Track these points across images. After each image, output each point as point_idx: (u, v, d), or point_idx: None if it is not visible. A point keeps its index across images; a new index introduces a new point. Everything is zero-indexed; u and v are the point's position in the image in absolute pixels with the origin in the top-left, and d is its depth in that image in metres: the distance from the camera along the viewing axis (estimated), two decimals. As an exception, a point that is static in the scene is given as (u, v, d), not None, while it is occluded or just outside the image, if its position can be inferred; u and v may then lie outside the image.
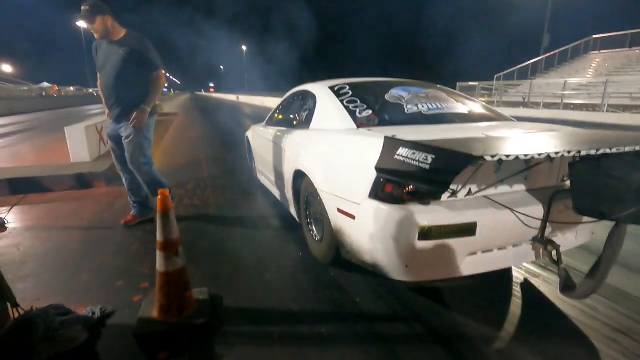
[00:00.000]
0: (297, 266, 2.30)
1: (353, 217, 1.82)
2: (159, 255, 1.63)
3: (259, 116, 4.24)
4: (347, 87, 2.59)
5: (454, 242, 1.61)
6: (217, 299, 1.90)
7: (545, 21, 21.66)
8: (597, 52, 21.31)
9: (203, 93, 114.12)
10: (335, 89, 2.60)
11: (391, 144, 1.63)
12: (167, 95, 71.77)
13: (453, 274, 1.68)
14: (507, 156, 1.23)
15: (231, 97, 45.02)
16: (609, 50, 20.62)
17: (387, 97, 2.49)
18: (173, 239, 1.63)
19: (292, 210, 2.87)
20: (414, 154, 1.46)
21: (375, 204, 1.68)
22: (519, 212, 1.65)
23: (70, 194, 3.86)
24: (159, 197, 1.59)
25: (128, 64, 2.60)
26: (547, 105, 15.44)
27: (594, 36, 21.39)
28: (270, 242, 2.67)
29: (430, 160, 1.37)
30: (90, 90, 53.83)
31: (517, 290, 2.03)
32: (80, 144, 5.25)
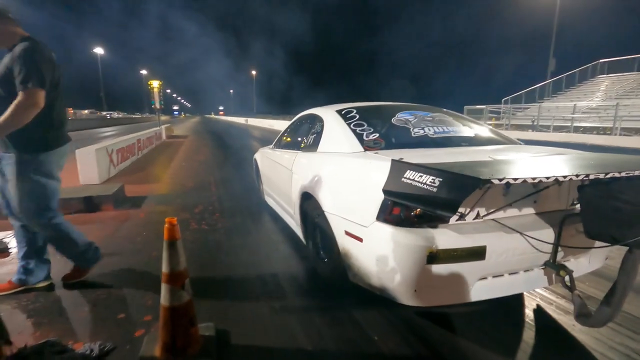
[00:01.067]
0: (310, 298, 2.16)
1: (360, 239, 1.77)
2: (163, 288, 1.52)
3: (269, 141, 4.22)
4: (354, 111, 2.58)
5: (463, 267, 1.56)
6: (224, 335, 1.76)
7: (551, 46, 21.88)
8: (604, 76, 21.36)
9: (213, 116, 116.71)
10: (343, 112, 2.59)
11: (398, 166, 1.60)
12: (178, 118, 73.45)
13: (463, 299, 1.63)
14: (515, 179, 1.21)
15: (240, 120, 45.81)
16: (617, 74, 20.66)
17: (393, 120, 2.49)
18: (179, 271, 1.52)
19: (299, 232, 2.80)
20: (421, 176, 1.42)
21: (382, 226, 1.64)
22: (529, 236, 1.61)
23: (77, 218, 3.80)
24: (166, 225, 1.50)
25: (5, 79, 1.93)
26: (557, 129, 15.32)
27: (601, 60, 21.52)
28: (280, 270, 2.54)
29: (437, 183, 1.33)
30: (104, 113, 55.42)
31: (542, 323, 1.86)
32: (90, 166, 5.28)
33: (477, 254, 1.55)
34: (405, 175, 1.49)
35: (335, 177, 2.16)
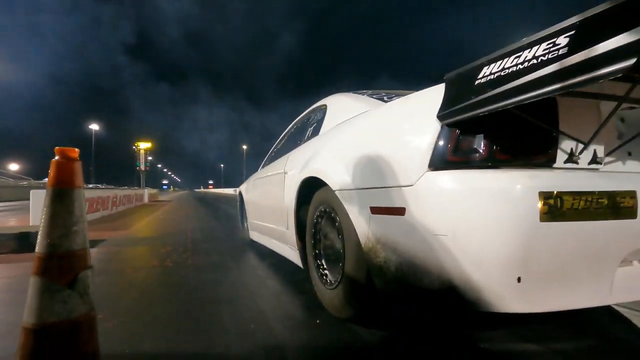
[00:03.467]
0: (314, 343, 1.35)
1: (401, 210, 1.06)
2: (31, 284, 0.76)
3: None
4: (369, 91, 2.04)
5: (599, 234, 0.87)
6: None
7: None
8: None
9: (202, 189, 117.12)
10: (351, 93, 2.04)
11: (462, 73, 0.96)
12: (167, 192, 73.28)
13: (596, 300, 0.92)
14: None
15: (229, 191, 45.63)
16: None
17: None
18: (71, 251, 0.79)
19: (295, 257, 2.06)
20: (520, 55, 0.79)
21: (443, 175, 0.97)
22: None
23: (4, 258, 2.93)
24: (56, 159, 0.81)
25: None
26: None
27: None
28: (268, 307, 1.73)
29: (570, 39, 0.69)
30: (90, 186, 54.79)
31: None
32: (44, 209, 4.48)
33: (624, 206, 0.88)
34: (483, 74, 0.88)
35: (348, 139, 1.53)
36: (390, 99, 1.62)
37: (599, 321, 1.44)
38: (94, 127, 49.77)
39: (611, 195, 0.85)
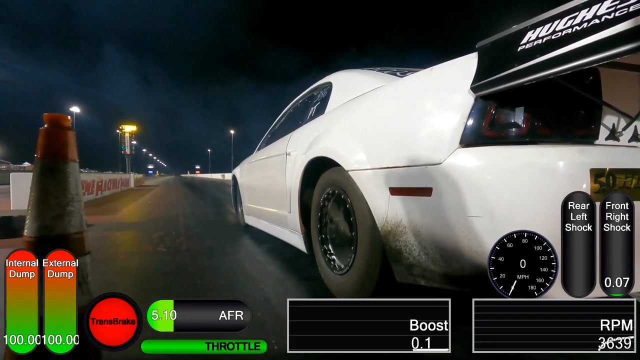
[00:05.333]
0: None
1: (427, 191, 0.98)
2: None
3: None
4: (375, 67, 1.92)
5: None
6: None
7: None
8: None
9: (188, 174, 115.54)
10: (358, 69, 1.92)
11: (500, 40, 0.87)
12: (153, 177, 72.10)
13: None
14: None
15: (217, 176, 45.16)
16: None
17: None
18: (66, 234, 0.69)
19: (298, 242, 1.95)
20: (577, 15, 0.70)
21: (481, 152, 0.89)
22: None
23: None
24: (44, 127, 0.69)
25: None
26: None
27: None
28: (273, 295, 1.66)
29: None
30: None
31: None
32: (27, 192, 4.28)
33: None
34: (526, 40, 0.79)
35: (362, 116, 1.42)
36: (403, 74, 1.52)
37: None
38: (75, 109, 47.97)
39: None
